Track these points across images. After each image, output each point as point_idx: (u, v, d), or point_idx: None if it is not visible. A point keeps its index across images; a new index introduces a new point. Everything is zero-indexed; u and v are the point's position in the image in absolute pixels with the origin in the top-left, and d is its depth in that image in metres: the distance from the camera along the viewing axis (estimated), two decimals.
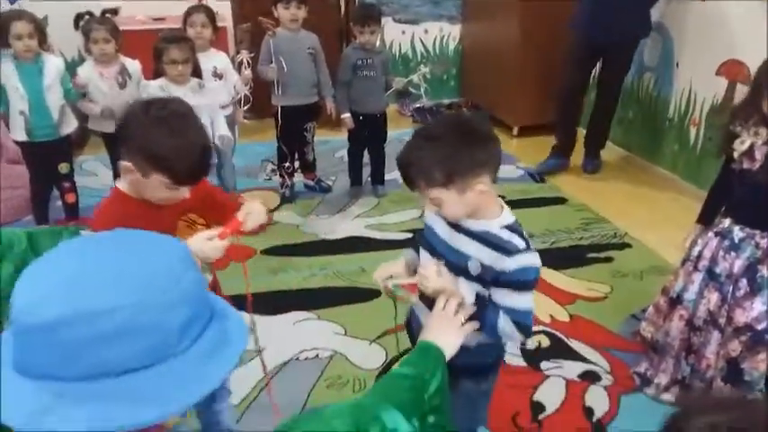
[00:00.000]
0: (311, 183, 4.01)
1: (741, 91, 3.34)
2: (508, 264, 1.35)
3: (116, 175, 2.99)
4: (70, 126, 3.19)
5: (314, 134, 3.89)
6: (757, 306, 1.97)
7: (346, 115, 3.68)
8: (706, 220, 2.19)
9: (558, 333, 2.60)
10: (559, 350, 2.51)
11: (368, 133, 3.77)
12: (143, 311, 0.69)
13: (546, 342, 2.55)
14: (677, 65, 4.01)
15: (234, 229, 1.49)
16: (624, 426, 2.13)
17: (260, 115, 4.14)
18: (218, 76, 3.34)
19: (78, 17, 3.30)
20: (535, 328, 2.59)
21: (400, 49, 5.44)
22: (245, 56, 3.50)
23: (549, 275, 3.00)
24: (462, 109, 5.18)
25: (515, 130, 4.93)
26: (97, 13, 3.34)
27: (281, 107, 3.59)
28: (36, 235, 1.20)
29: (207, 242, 1.41)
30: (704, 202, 2.23)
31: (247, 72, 3.49)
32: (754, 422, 0.75)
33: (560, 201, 3.87)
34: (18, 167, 3.40)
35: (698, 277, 2.10)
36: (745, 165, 1.93)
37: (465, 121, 1.35)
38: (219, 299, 0.84)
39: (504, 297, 1.38)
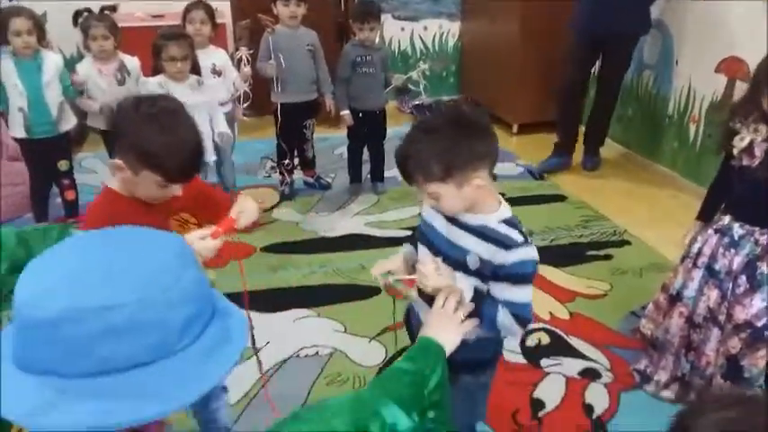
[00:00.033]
0: (311, 180, 4.00)
1: (740, 88, 3.35)
2: (506, 257, 1.36)
3: None
4: (69, 123, 3.19)
5: (313, 131, 3.88)
6: (757, 303, 1.97)
7: (345, 112, 3.68)
8: (706, 217, 2.19)
9: (557, 330, 2.60)
10: (559, 347, 2.51)
11: (367, 130, 3.76)
12: (144, 309, 0.69)
13: (546, 339, 2.55)
14: (677, 62, 4.01)
15: (227, 228, 1.48)
16: (624, 423, 2.14)
17: (259, 112, 4.14)
18: (217, 73, 3.33)
19: (77, 14, 3.29)
20: (535, 326, 2.61)
21: (399, 46, 5.44)
22: (244, 53, 3.50)
23: (549, 273, 3.01)
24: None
25: (515, 128, 4.93)
26: (96, 9, 3.32)
27: (281, 104, 3.58)
28: (26, 234, 1.20)
29: (199, 241, 1.40)
30: (704, 199, 2.23)
31: (246, 69, 3.48)
32: (761, 418, 0.75)
33: (560, 198, 3.87)
34: (18, 164, 3.40)
35: (697, 274, 2.10)
36: (745, 161, 1.93)
37: (463, 115, 1.35)
38: (222, 296, 0.84)
39: (502, 291, 1.39)
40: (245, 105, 3.63)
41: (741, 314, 1.99)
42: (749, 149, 1.91)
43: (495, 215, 1.40)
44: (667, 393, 2.21)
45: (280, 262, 3.13)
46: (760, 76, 1.93)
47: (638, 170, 4.28)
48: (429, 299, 1.37)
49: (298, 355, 2.45)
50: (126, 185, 1.44)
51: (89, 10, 3.29)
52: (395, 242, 3.20)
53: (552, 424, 2.14)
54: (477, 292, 1.41)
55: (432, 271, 1.35)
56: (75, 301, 0.68)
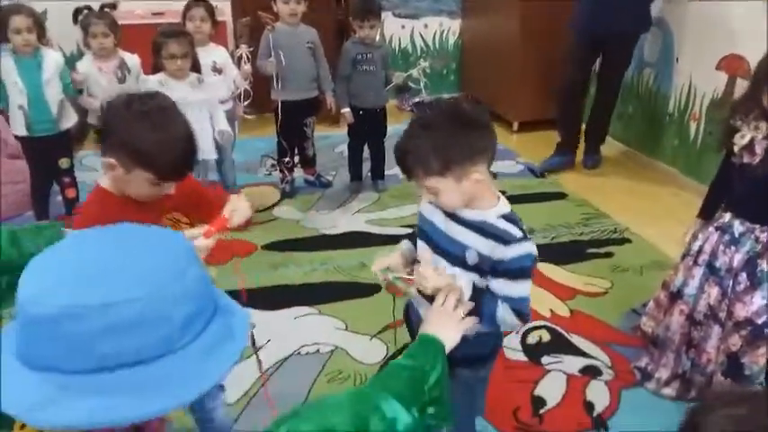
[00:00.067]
0: (311, 178, 4.00)
1: (741, 85, 3.34)
2: (505, 253, 1.37)
3: None
4: (70, 121, 3.19)
5: (314, 129, 3.88)
6: (757, 300, 1.97)
7: (346, 110, 3.68)
8: (706, 214, 2.18)
9: (558, 328, 2.60)
10: (560, 345, 2.51)
11: (368, 128, 3.76)
12: (146, 306, 0.69)
13: (546, 337, 2.55)
14: (677, 60, 4.00)
15: (219, 227, 1.48)
16: (625, 420, 2.14)
17: (260, 110, 4.13)
18: (217, 70, 3.33)
19: (77, 11, 3.29)
20: (536, 323, 2.61)
21: (400, 44, 5.43)
22: (244, 50, 3.49)
23: (550, 270, 3.01)
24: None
25: (515, 126, 4.93)
26: (96, 7, 3.32)
27: (281, 102, 3.58)
28: (17, 233, 1.20)
29: (191, 241, 1.40)
30: (705, 197, 2.23)
31: (247, 67, 3.48)
32: None
33: (560, 196, 3.87)
34: (19, 162, 3.40)
35: (698, 272, 2.10)
36: (746, 159, 1.93)
37: (461, 110, 1.35)
38: (224, 294, 0.84)
39: (502, 286, 1.39)
40: (246, 103, 3.62)
41: (741, 311, 1.99)
42: (750, 147, 1.91)
43: (494, 210, 1.41)
44: (668, 391, 2.21)
45: (281, 260, 3.13)
46: (760, 73, 1.93)
47: (639, 168, 4.28)
48: (429, 296, 1.37)
49: (299, 353, 2.45)
50: (118, 184, 1.43)
51: (89, 7, 3.29)
52: (395, 240, 3.14)
53: (553, 421, 2.14)
54: (476, 288, 1.41)
55: (431, 272, 1.35)
56: (77, 298, 0.68)
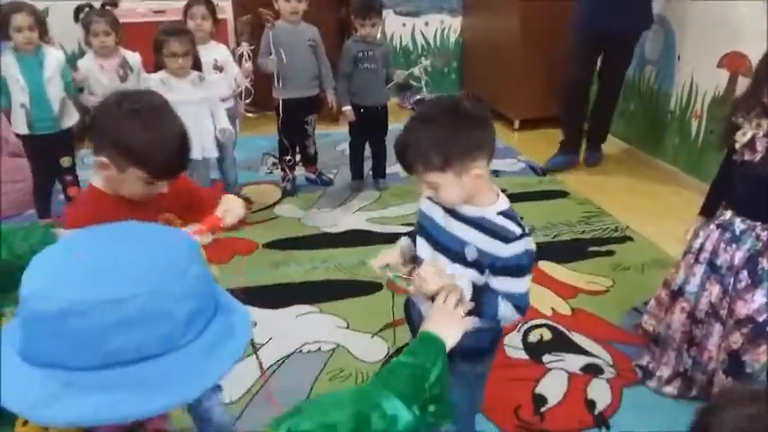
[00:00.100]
0: (312, 176, 4.00)
1: (743, 83, 3.33)
2: (504, 250, 1.38)
3: None
4: (71, 119, 3.19)
5: (315, 127, 3.88)
6: (758, 298, 1.97)
7: (347, 108, 3.68)
8: (708, 212, 2.18)
9: (559, 326, 2.60)
10: (561, 343, 2.51)
11: (369, 126, 3.76)
12: (149, 303, 0.69)
13: (548, 335, 2.55)
14: (678, 57, 4.00)
15: (211, 226, 1.47)
16: (626, 418, 2.14)
17: (261, 108, 4.13)
18: (218, 68, 3.33)
19: (78, 9, 3.29)
20: (537, 322, 2.61)
21: (401, 42, 5.43)
22: (245, 48, 3.49)
23: (551, 269, 3.01)
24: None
25: (516, 124, 4.93)
26: (97, 5, 3.32)
27: (282, 100, 3.58)
28: (8, 233, 1.19)
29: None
30: (706, 195, 2.23)
31: (248, 65, 3.48)
32: None
33: (562, 194, 3.87)
34: (20, 161, 3.40)
35: (699, 270, 2.10)
36: (747, 156, 1.92)
37: (461, 105, 1.36)
38: (225, 292, 0.84)
39: (502, 284, 1.41)
40: (247, 101, 3.62)
41: (742, 309, 1.98)
42: (751, 144, 1.91)
43: (493, 207, 1.42)
44: (669, 389, 2.21)
45: (282, 258, 3.13)
46: (762, 70, 1.93)
47: (640, 166, 4.27)
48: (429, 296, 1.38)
49: (300, 351, 2.45)
50: (111, 183, 1.43)
51: (90, 6, 3.28)
52: (396, 238, 3.12)
53: (554, 420, 2.14)
54: (476, 287, 1.42)
55: (431, 274, 1.36)
56: (81, 294, 0.68)
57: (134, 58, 3.29)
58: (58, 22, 3.75)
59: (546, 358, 2.42)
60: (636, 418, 2.14)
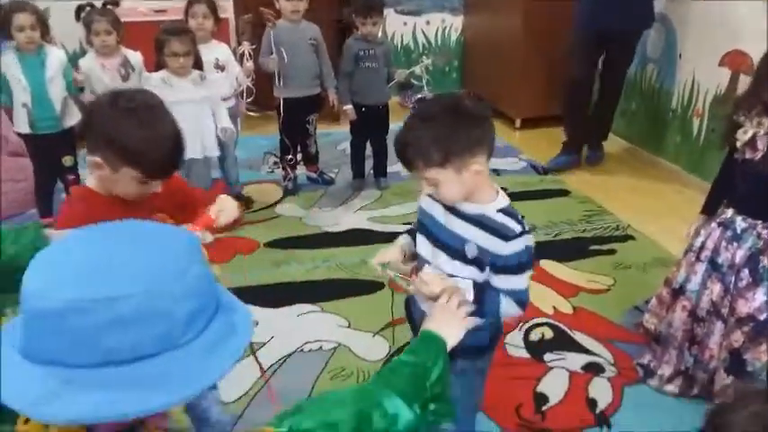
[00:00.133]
0: (314, 175, 4.00)
1: (744, 81, 3.32)
2: (504, 248, 1.39)
3: None
4: (73, 118, 3.19)
5: (316, 126, 3.88)
6: (759, 296, 1.96)
7: (348, 107, 3.68)
8: (709, 210, 2.18)
9: (561, 325, 2.60)
10: (563, 342, 2.51)
11: (370, 125, 3.76)
12: (150, 301, 0.69)
13: (549, 334, 2.55)
14: (680, 56, 3.99)
15: (203, 225, 1.47)
16: (627, 417, 2.14)
17: (263, 107, 4.13)
18: (219, 67, 3.33)
19: (79, 9, 3.29)
20: (538, 320, 2.61)
21: (402, 41, 5.43)
22: (246, 47, 3.49)
23: (552, 268, 3.01)
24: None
25: (518, 123, 4.93)
26: (98, 4, 3.32)
27: (283, 99, 3.58)
28: None
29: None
30: (708, 193, 2.23)
31: (249, 64, 3.48)
32: None
33: (563, 193, 3.87)
34: (21, 160, 3.40)
35: (701, 268, 2.10)
36: (748, 155, 1.92)
37: (460, 103, 1.37)
38: (227, 291, 0.84)
39: (503, 281, 1.43)
40: (248, 100, 3.62)
41: (744, 308, 1.98)
42: (752, 143, 1.91)
43: (494, 204, 1.43)
44: (671, 387, 2.21)
45: (283, 257, 3.13)
46: (763, 69, 1.93)
47: (642, 165, 4.27)
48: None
49: (301, 350, 2.45)
50: (104, 183, 1.42)
51: (91, 5, 3.29)
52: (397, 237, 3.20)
53: (556, 418, 2.14)
54: (477, 286, 1.43)
55: (432, 278, 1.36)
56: (82, 291, 0.68)
57: (135, 57, 3.29)
58: (60, 21, 3.75)
59: (547, 357, 2.42)
60: (637, 416, 2.14)
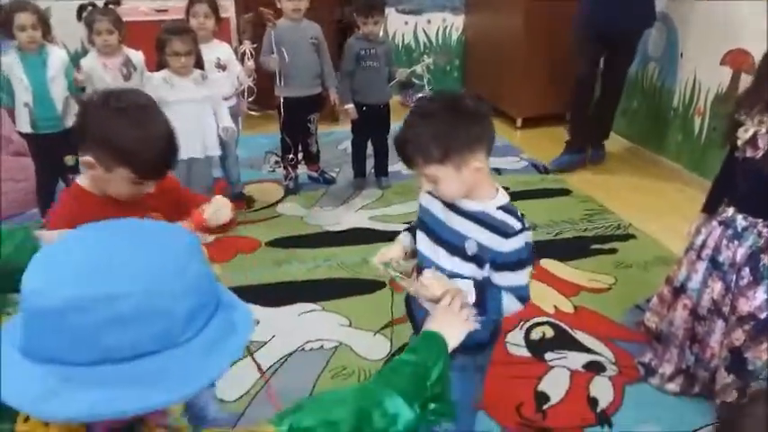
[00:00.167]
0: (315, 174, 4.01)
1: (746, 80, 3.33)
2: (504, 245, 1.40)
3: None
4: (75, 118, 3.19)
5: (317, 125, 3.88)
6: (760, 295, 1.96)
7: (350, 106, 3.68)
8: (710, 209, 2.18)
9: (562, 324, 2.60)
10: (564, 341, 2.51)
11: (371, 124, 3.76)
12: (150, 299, 0.70)
13: (550, 333, 2.55)
14: (681, 55, 3.99)
15: (195, 224, 1.46)
16: (628, 416, 2.14)
17: (264, 107, 4.14)
18: (221, 67, 3.34)
19: (81, 8, 3.29)
20: (539, 319, 2.61)
21: (403, 40, 5.43)
22: (247, 46, 3.50)
23: (554, 267, 3.01)
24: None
25: (519, 122, 4.93)
26: (100, 4, 3.32)
27: (284, 98, 3.58)
28: None
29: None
30: (709, 192, 2.23)
31: (250, 63, 3.48)
32: None
33: (564, 192, 3.87)
34: (23, 160, 3.41)
35: (701, 266, 2.10)
36: (749, 153, 1.92)
37: (459, 99, 1.37)
38: (226, 290, 0.84)
39: (504, 278, 1.44)
40: (250, 100, 3.63)
41: (744, 306, 1.98)
42: (753, 141, 1.90)
43: (493, 201, 1.43)
44: (672, 386, 2.21)
45: (284, 256, 3.13)
46: (765, 67, 1.93)
47: (643, 164, 4.27)
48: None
49: (303, 349, 2.46)
50: (97, 183, 1.42)
51: (93, 4, 3.29)
52: None
53: (557, 417, 2.14)
54: (478, 286, 1.43)
55: (432, 281, 1.36)
56: (82, 290, 0.68)
57: (137, 56, 3.29)
58: (61, 20, 3.75)
59: (548, 356, 2.42)
60: (638, 415, 2.14)
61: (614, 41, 3.89)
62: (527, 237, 1.42)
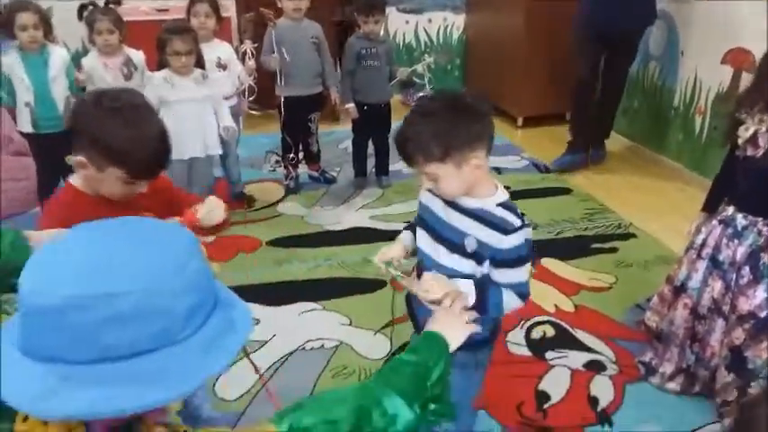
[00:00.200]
0: (315, 174, 4.01)
1: (746, 79, 3.32)
2: (504, 242, 1.40)
3: None
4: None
5: (318, 125, 3.88)
6: (760, 294, 1.96)
7: (350, 105, 3.68)
8: (710, 208, 2.18)
9: (562, 323, 2.60)
10: (564, 340, 2.51)
11: (372, 124, 3.76)
12: (149, 297, 0.70)
13: (551, 332, 2.55)
14: (682, 53, 3.99)
15: (187, 224, 1.46)
16: (629, 415, 2.14)
17: (264, 106, 4.14)
18: (221, 66, 3.34)
19: (82, 8, 3.29)
20: (540, 318, 2.61)
21: (404, 39, 5.43)
22: (248, 46, 3.50)
23: (554, 266, 3.01)
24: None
25: (519, 121, 4.93)
26: (101, 3, 3.33)
27: (285, 98, 3.59)
28: None
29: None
30: (709, 191, 2.23)
31: (251, 62, 3.49)
32: None
33: (565, 191, 3.87)
34: (23, 159, 3.41)
35: (702, 265, 2.10)
36: (749, 152, 1.92)
37: (460, 98, 1.38)
38: (225, 288, 0.84)
39: (503, 275, 1.44)
40: (250, 99, 3.63)
41: (745, 305, 1.98)
42: (753, 140, 1.90)
43: (493, 199, 1.44)
44: (672, 385, 2.21)
45: (285, 255, 3.14)
46: (765, 67, 1.93)
47: (644, 163, 4.27)
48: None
49: (303, 348, 2.46)
50: (90, 183, 1.42)
51: (94, 4, 3.29)
52: None
53: (557, 416, 2.14)
54: (479, 285, 1.43)
55: (433, 284, 1.37)
56: (82, 288, 0.68)
57: (138, 56, 3.30)
58: (62, 20, 3.75)
59: (549, 355, 2.42)
60: (639, 414, 2.14)
61: (614, 41, 3.89)
62: (526, 233, 1.43)
